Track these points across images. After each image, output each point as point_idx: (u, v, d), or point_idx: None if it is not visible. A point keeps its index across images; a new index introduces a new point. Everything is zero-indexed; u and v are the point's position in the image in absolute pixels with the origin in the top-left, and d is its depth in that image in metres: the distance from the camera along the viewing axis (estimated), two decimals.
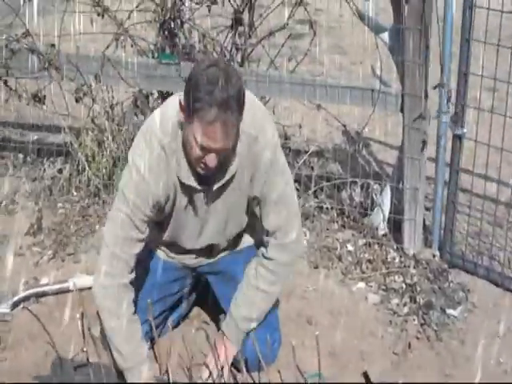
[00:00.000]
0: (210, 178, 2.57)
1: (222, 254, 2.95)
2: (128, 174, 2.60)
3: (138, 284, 2.84)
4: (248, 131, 2.54)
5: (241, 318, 2.81)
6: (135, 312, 2.72)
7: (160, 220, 2.74)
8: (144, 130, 2.61)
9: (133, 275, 2.71)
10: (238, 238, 2.94)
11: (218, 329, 2.94)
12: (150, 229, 2.67)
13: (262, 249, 2.81)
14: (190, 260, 2.93)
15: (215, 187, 2.60)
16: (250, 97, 2.52)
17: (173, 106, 2.54)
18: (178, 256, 2.93)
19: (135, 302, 2.74)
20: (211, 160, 2.41)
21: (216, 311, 3.04)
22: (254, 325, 2.82)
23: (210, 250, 2.91)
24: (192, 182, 2.57)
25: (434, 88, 3.36)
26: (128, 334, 2.69)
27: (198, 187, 2.59)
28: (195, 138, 2.38)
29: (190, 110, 2.36)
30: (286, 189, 2.71)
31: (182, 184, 2.59)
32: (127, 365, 2.69)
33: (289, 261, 2.81)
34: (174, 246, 2.89)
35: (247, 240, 2.96)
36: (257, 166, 2.61)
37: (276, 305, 2.96)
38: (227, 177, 2.58)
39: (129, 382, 2.69)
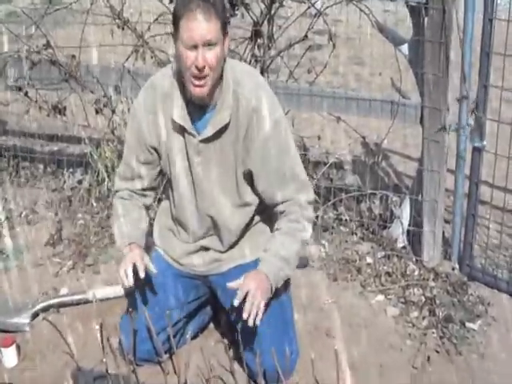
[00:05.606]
0: (201, 111, 2.65)
1: (233, 265, 2.88)
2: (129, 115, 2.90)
3: (152, 291, 2.88)
4: (249, 97, 2.62)
5: (274, 254, 2.71)
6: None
7: (164, 172, 2.87)
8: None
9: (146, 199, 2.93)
10: (244, 243, 2.89)
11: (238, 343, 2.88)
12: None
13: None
14: (199, 263, 2.91)
15: (207, 131, 2.65)
16: (252, 71, 2.78)
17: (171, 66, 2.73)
18: (189, 257, 2.93)
19: (150, 307, 2.81)
20: (200, 58, 2.46)
21: None
22: (287, 269, 2.73)
23: (215, 236, 2.87)
24: (184, 121, 2.66)
25: (459, 100, 3.34)
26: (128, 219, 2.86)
27: (190, 128, 2.66)
28: (182, 42, 2.47)
29: (176, 19, 2.48)
30: (285, 166, 2.70)
31: (175, 125, 2.68)
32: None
33: (310, 200, 2.77)
34: (181, 226, 2.89)
35: (255, 253, 2.85)
36: (253, 137, 2.65)
37: (292, 315, 2.96)
38: (218, 122, 2.63)
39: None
